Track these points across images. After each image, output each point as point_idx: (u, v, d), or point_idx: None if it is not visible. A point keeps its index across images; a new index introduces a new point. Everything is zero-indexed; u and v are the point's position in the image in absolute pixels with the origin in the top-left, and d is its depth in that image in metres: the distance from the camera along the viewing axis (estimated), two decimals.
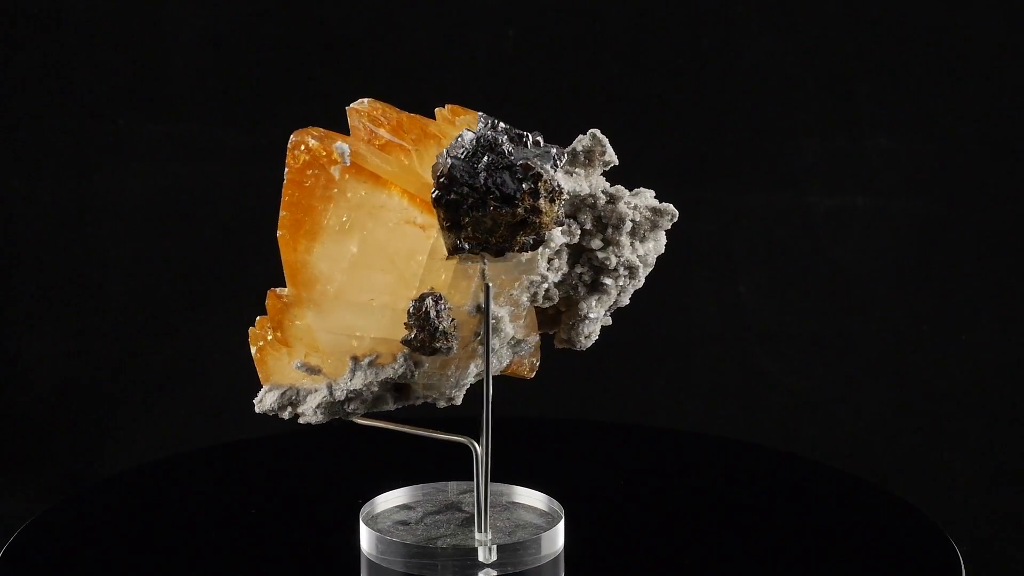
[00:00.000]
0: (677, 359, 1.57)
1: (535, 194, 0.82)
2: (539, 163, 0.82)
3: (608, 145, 0.87)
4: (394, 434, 0.91)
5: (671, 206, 0.87)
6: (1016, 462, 1.50)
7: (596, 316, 0.88)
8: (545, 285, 0.86)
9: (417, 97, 1.53)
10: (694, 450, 1.12)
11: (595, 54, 1.55)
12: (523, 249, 0.83)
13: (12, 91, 1.53)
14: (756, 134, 1.55)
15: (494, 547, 0.87)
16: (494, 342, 0.86)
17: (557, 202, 0.82)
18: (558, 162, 0.83)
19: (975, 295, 1.55)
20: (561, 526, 0.90)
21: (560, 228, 0.85)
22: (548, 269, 0.86)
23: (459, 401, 0.89)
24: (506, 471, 0.95)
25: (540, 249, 0.84)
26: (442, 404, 0.89)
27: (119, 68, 1.53)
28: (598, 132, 0.87)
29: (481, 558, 0.87)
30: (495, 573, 0.87)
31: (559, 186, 0.82)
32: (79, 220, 1.55)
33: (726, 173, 1.56)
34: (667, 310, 1.56)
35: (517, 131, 0.84)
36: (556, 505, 0.92)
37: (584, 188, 0.86)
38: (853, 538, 0.94)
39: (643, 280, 0.88)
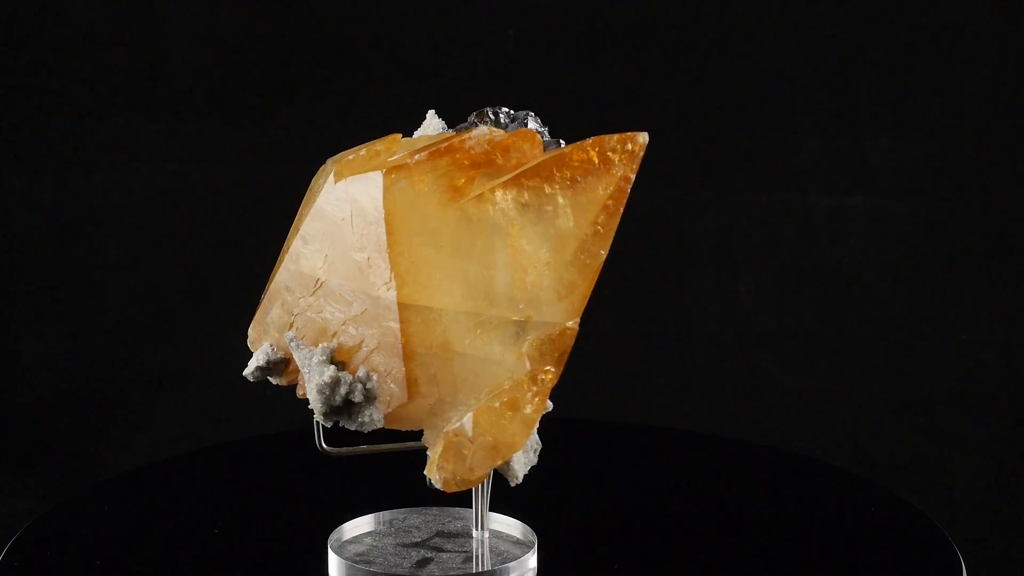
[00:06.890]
0: (677, 359, 1.57)
1: None
2: None
3: None
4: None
5: None
6: (1016, 462, 1.50)
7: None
8: None
9: (417, 97, 1.54)
10: (694, 450, 1.12)
11: (595, 54, 1.55)
12: None
13: (12, 91, 1.53)
14: (756, 134, 1.55)
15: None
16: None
17: None
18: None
19: (975, 295, 1.55)
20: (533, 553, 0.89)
21: None
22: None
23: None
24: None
25: None
26: None
27: (119, 68, 1.53)
28: None
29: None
30: None
31: None
32: (79, 220, 1.55)
33: (726, 173, 1.56)
34: (667, 310, 1.56)
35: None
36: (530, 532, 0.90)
37: None
38: (855, 538, 0.94)
39: None
